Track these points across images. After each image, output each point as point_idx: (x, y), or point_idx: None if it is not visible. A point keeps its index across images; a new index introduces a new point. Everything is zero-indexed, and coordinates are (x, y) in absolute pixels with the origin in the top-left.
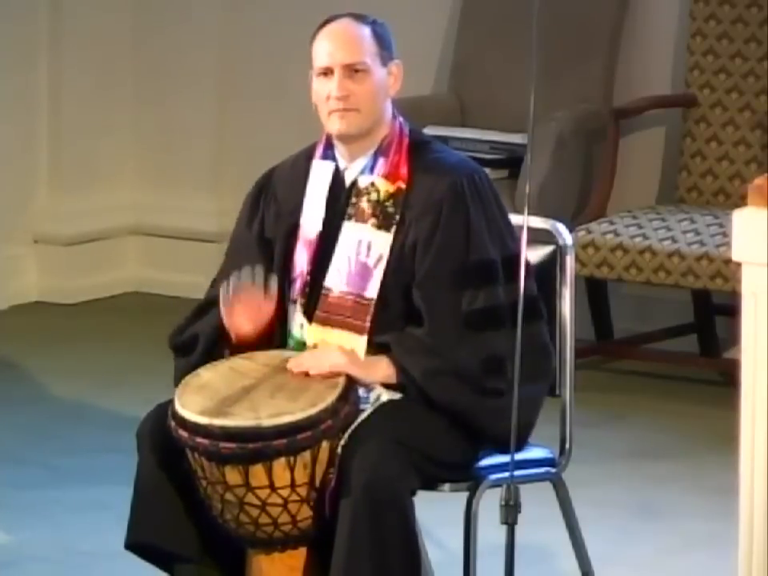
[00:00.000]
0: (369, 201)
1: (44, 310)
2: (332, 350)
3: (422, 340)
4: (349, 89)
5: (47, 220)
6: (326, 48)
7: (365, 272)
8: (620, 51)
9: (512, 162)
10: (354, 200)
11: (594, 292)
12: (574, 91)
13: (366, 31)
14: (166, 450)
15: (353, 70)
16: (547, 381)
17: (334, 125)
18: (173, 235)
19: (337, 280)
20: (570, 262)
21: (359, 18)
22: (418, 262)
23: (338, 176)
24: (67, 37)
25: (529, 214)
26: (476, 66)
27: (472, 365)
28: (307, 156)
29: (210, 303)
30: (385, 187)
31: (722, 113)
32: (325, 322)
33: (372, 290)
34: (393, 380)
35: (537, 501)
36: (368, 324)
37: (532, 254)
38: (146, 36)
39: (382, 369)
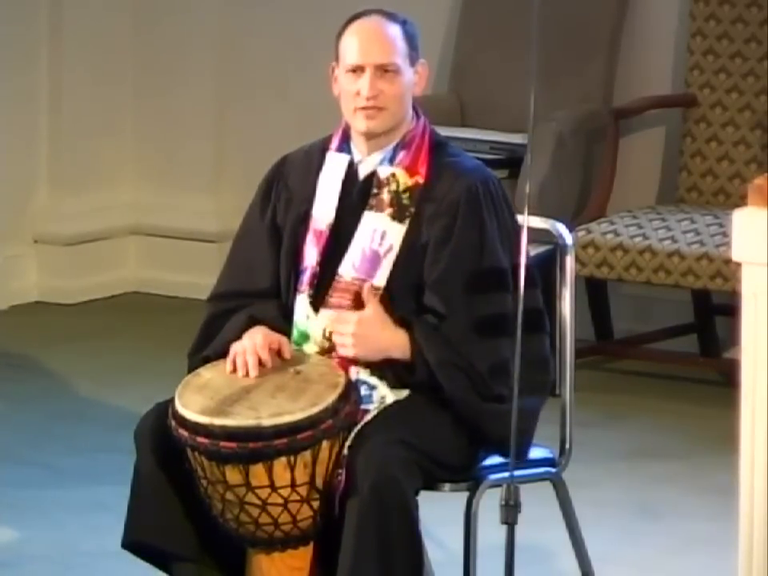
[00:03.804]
0: (389, 191)
1: (44, 310)
2: (371, 338)
3: (441, 329)
4: (379, 88)
5: (47, 220)
6: (357, 45)
7: (375, 259)
8: (620, 51)
9: (512, 162)
10: (375, 191)
11: (594, 292)
12: (574, 91)
13: (398, 31)
14: (165, 449)
15: (384, 70)
16: (544, 394)
17: (360, 122)
18: (173, 235)
19: (350, 267)
20: (570, 262)
21: (390, 16)
22: (430, 263)
23: (351, 169)
24: (67, 37)
25: (529, 214)
26: (476, 66)
27: (481, 367)
28: (322, 147)
29: (221, 315)
30: (403, 179)
31: (721, 113)
32: (333, 307)
33: (380, 279)
34: (406, 357)
35: (537, 501)
36: None
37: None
38: (146, 36)
39: (400, 347)
